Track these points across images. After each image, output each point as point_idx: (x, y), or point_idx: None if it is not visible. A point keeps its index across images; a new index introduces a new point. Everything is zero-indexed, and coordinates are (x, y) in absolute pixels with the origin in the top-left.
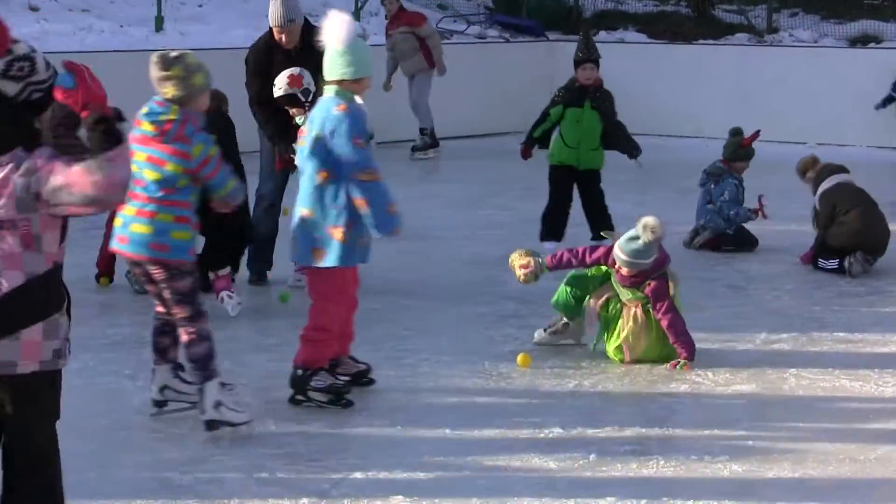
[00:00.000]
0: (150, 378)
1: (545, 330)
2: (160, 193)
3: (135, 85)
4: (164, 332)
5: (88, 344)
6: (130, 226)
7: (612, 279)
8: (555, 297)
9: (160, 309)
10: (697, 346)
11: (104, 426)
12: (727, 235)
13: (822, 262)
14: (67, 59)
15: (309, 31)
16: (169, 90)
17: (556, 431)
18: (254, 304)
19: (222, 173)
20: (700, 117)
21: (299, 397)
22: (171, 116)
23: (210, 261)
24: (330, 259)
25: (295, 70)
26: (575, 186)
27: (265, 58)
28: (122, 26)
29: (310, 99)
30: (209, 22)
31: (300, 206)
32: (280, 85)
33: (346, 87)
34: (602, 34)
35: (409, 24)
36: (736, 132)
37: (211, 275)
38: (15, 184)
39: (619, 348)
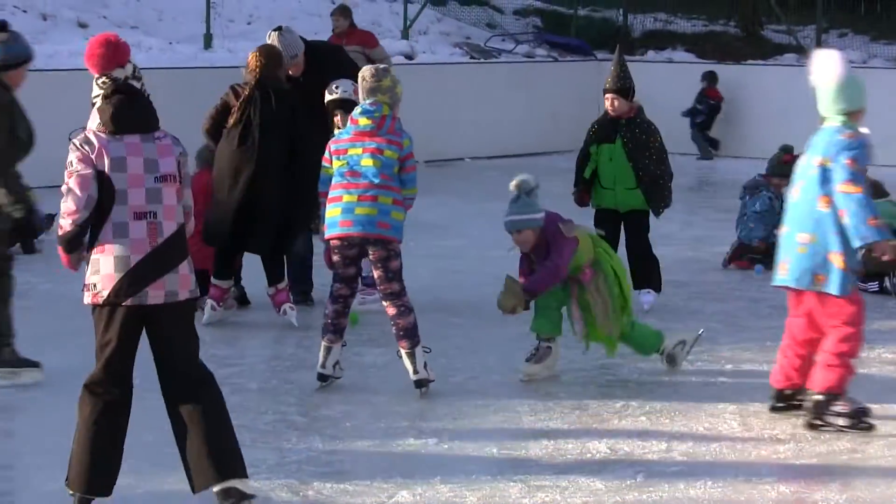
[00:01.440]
0: (323, 355)
1: (530, 361)
2: (379, 179)
3: (184, 101)
4: (344, 313)
5: (137, 360)
6: (355, 209)
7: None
8: (534, 324)
9: (343, 292)
10: (744, 365)
11: (150, 442)
12: (750, 247)
13: (862, 285)
14: None
15: (312, 53)
16: (380, 97)
17: (604, 451)
18: (299, 322)
19: (413, 176)
20: (748, 137)
21: (817, 422)
22: (384, 113)
23: (269, 276)
24: (833, 286)
25: (344, 82)
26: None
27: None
28: (170, 43)
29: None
30: (257, 39)
31: (797, 230)
32: (347, 88)
33: (850, 119)
34: (650, 53)
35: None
36: (785, 149)
37: (271, 289)
38: (174, 149)
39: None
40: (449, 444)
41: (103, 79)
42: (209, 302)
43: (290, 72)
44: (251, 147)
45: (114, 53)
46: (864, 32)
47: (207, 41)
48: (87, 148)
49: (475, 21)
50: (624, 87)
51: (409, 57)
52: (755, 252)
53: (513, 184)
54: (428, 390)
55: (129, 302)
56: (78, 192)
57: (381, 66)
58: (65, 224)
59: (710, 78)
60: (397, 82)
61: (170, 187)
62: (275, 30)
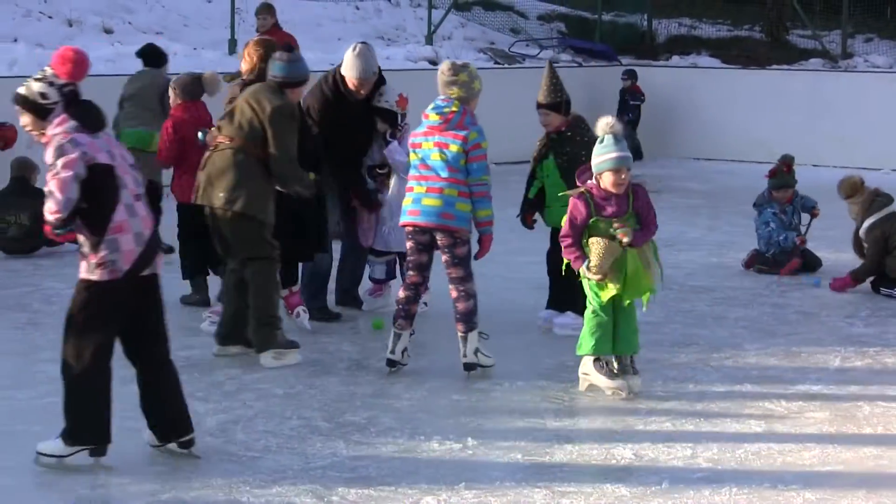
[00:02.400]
0: (392, 342)
1: (617, 377)
2: (446, 173)
3: (210, 106)
4: (415, 300)
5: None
6: (422, 200)
7: (596, 231)
8: (590, 348)
9: (415, 279)
10: (769, 371)
11: (176, 448)
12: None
13: (885, 290)
14: None
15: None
16: (454, 91)
17: (629, 457)
18: (322, 327)
19: (482, 165)
20: (773, 142)
21: None
22: (454, 109)
23: (282, 279)
24: None
25: (404, 93)
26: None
27: (336, 108)
28: (195, 49)
29: (400, 123)
30: None
31: None
32: (389, 99)
33: None
34: (675, 58)
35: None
36: (784, 159)
37: (284, 291)
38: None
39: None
40: (473, 450)
41: (71, 87)
42: (297, 309)
43: (360, 93)
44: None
45: (87, 67)
46: (891, 37)
47: (232, 46)
48: (79, 149)
49: (499, 26)
50: (555, 102)
51: (433, 62)
52: (766, 262)
53: (607, 125)
54: (478, 373)
55: (146, 272)
56: (59, 195)
57: (461, 61)
58: (50, 220)
59: (632, 75)
60: (475, 77)
61: (135, 171)
62: (362, 43)
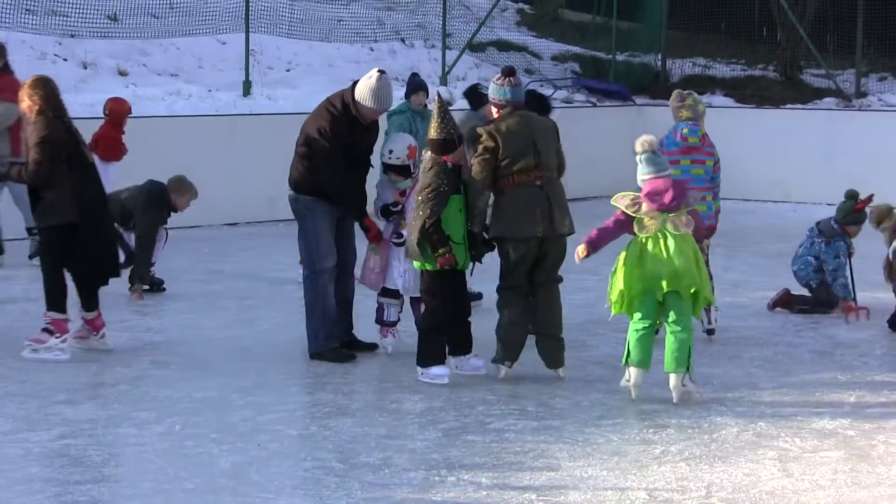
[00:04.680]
0: None
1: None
2: (704, 183)
3: (224, 148)
4: None
5: (176, 407)
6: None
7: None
8: (636, 356)
9: None
10: (784, 410)
11: (190, 490)
12: (802, 296)
13: None
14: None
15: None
16: (684, 114)
17: (643, 498)
18: (338, 368)
19: (720, 173)
20: (788, 182)
21: None
22: (704, 131)
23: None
24: None
25: (413, 142)
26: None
27: (348, 128)
28: (210, 91)
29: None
30: (296, 86)
31: None
32: (400, 154)
33: None
34: None
35: (9, 89)
36: (850, 195)
37: (92, 313)
38: None
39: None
40: (488, 491)
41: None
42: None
43: (368, 120)
44: None
45: None
46: None
47: (247, 88)
48: None
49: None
50: (444, 138)
51: (448, 103)
52: (805, 302)
53: (646, 141)
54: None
55: None
56: None
57: (686, 91)
58: None
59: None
60: (699, 102)
61: None
62: (380, 71)
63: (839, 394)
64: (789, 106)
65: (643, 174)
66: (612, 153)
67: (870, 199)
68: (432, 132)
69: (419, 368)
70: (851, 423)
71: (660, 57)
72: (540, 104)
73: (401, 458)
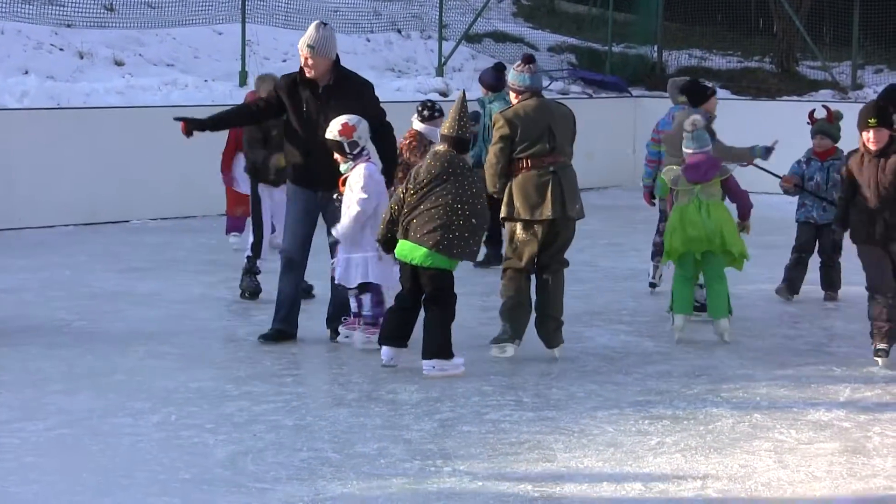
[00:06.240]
0: None
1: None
2: None
3: (220, 137)
4: None
5: (171, 397)
6: None
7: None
8: (678, 304)
9: None
10: (779, 401)
11: (186, 480)
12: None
13: None
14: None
15: (341, 72)
16: (681, 99)
17: (638, 489)
18: (334, 358)
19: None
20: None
21: None
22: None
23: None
24: None
25: (351, 119)
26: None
27: (287, 92)
28: (206, 81)
29: (356, 152)
30: None
31: None
32: (332, 129)
33: None
34: None
35: None
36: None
37: None
38: None
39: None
40: (484, 482)
41: None
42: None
43: (307, 68)
44: None
45: None
46: None
47: (243, 78)
48: None
49: (510, 58)
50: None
51: (444, 94)
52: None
53: (694, 121)
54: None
55: None
56: None
57: (681, 78)
58: None
59: None
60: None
61: None
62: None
63: (835, 386)
64: (785, 98)
65: (688, 149)
66: (608, 144)
67: (830, 111)
68: (446, 129)
69: (440, 361)
70: (847, 415)
71: (656, 48)
72: (693, 91)
73: (396, 449)
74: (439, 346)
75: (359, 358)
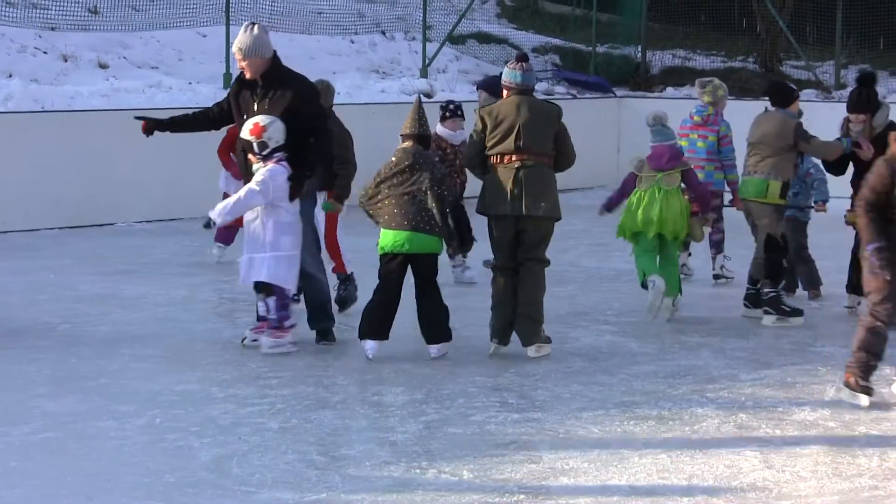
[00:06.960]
0: None
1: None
2: (706, 154)
3: (203, 140)
4: None
5: (156, 400)
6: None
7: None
8: (646, 267)
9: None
10: (765, 401)
11: (171, 483)
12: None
13: None
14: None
15: (277, 72)
16: (706, 98)
17: (624, 490)
18: (319, 361)
19: (729, 147)
20: None
21: None
22: (710, 112)
23: None
24: None
25: (263, 120)
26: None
27: (233, 94)
28: (190, 83)
29: (265, 153)
30: None
31: None
32: (245, 128)
33: None
34: (669, 90)
35: None
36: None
37: None
38: None
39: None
40: (469, 483)
41: None
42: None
43: (244, 70)
44: None
45: None
46: (884, 68)
47: (227, 81)
48: None
49: (494, 59)
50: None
51: (428, 95)
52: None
53: (655, 116)
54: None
55: None
56: None
57: (706, 78)
58: None
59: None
60: (720, 87)
61: None
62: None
63: (820, 386)
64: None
65: (651, 142)
66: (592, 145)
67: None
68: (407, 128)
69: (445, 344)
70: (832, 415)
71: (640, 49)
72: (778, 94)
73: (382, 451)
74: (445, 330)
75: (344, 360)
